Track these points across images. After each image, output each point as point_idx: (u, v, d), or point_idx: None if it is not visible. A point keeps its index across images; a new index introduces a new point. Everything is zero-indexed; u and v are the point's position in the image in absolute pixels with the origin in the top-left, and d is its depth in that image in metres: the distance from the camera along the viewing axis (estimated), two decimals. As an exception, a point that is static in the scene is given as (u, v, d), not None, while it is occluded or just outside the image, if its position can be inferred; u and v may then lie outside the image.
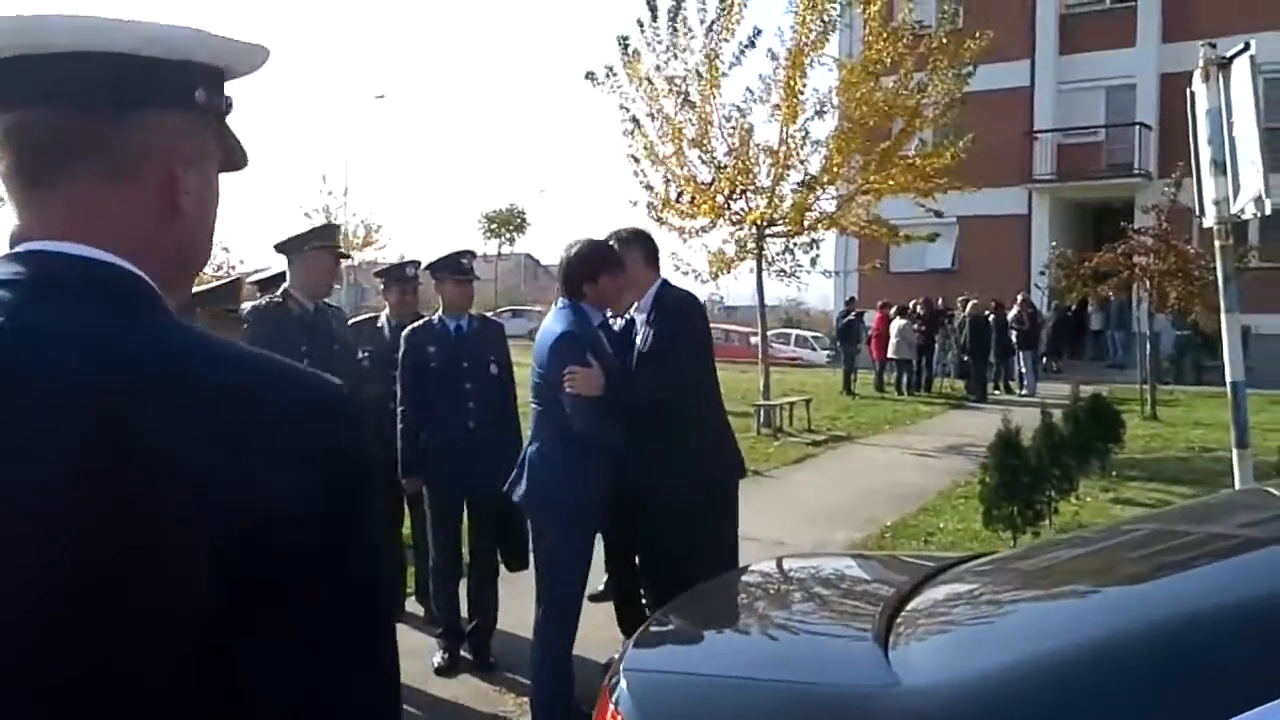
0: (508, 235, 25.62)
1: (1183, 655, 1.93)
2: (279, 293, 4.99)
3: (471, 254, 5.75)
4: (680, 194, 15.24)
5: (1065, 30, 27.86)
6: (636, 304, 4.68)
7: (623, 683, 2.29)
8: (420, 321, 5.69)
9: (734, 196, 14.95)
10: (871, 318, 22.21)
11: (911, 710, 2.04)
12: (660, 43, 14.71)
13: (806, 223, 15.00)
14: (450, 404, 5.36)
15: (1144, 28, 26.50)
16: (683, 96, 14.73)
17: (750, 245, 15.19)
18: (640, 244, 4.72)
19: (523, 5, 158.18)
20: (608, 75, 15.11)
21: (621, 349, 4.98)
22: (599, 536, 5.67)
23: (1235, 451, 4.68)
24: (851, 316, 21.85)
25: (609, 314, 4.70)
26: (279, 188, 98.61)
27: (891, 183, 15.19)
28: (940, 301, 22.44)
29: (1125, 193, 25.23)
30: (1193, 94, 4.71)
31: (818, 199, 15.22)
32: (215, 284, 4.12)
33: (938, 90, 15.12)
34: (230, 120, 1.16)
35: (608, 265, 4.47)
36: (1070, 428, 9.69)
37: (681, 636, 2.79)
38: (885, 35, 14.60)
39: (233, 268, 26.35)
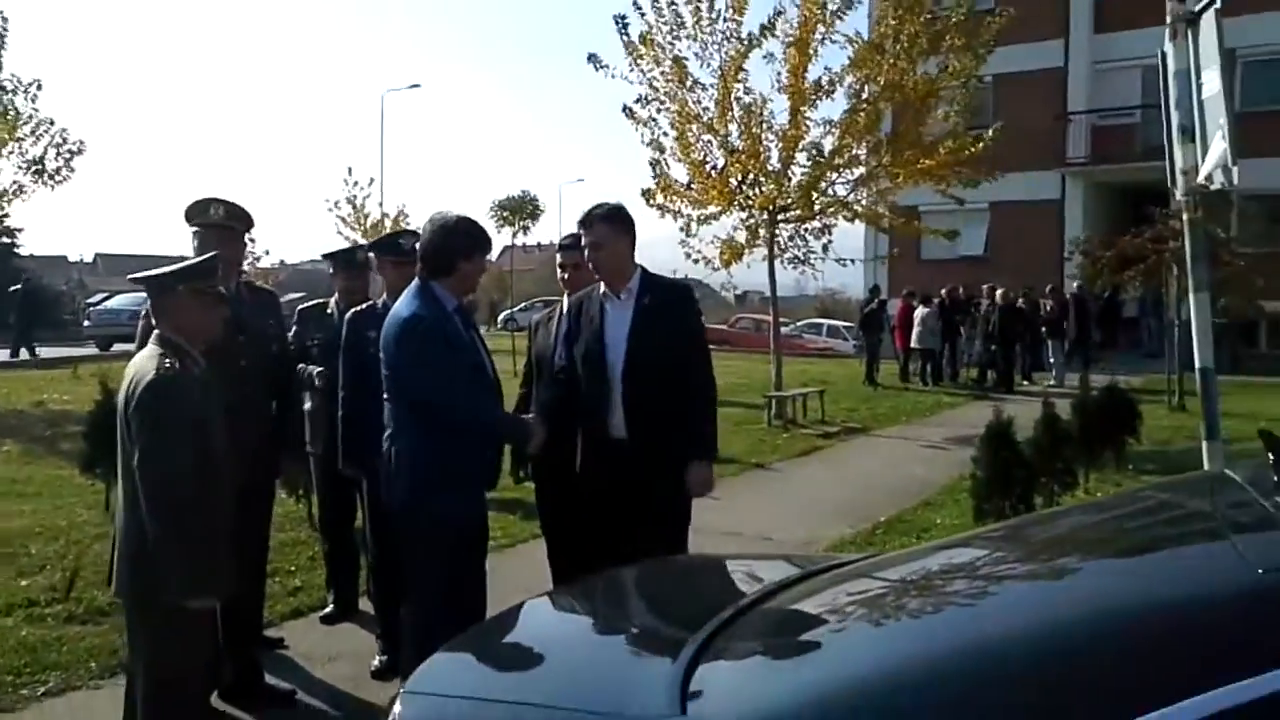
0: (520, 224, 25.18)
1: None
2: None
3: (413, 234, 5.49)
4: (690, 182, 14.89)
5: (1100, 8, 27.16)
6: (614, 288, 4.44)
7: (397, 707, 2.07)
8: (363, 306, 5.48)
9: (745, 182, 14.59)
10: (895, 307, 21.78)
11: None
12: (664, 24, 14.33)
13: (817, 207, 14.62)
14: (389, 392, 5.14)
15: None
16: (691, 79, 14.38)
17: (762, 232, 14.82)
18: (631, 226, 4.52)
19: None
20: (627, 53, 14.71)
21: (571, 330, 4.70)
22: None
23: (1205, 444, 4.32)
24: (874, 305, 21.43)
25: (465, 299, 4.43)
26: (313, 180, 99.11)
27: (909, 168, 14.76)
28: (961, 291, 21.91)
29: (1162, 176, 24.44)
30: (1163, 54, 4.36)
31: (831, 183, 14.83)
32: (193, 261, 3.94)
33: (955, 71, 14.66)
34: None
35: (483, 244, 4.24)
36: (1077, 419, 9.31)
37: (478, 658, 2.53)
38: (898, 13, 14.17)
39: (258, 258, 26.34)
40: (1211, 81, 3.97)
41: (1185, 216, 4.41)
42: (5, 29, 17.68)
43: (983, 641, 1.92)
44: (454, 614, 3.84)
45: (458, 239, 4.13)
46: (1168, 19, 4.26)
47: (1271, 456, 2.21)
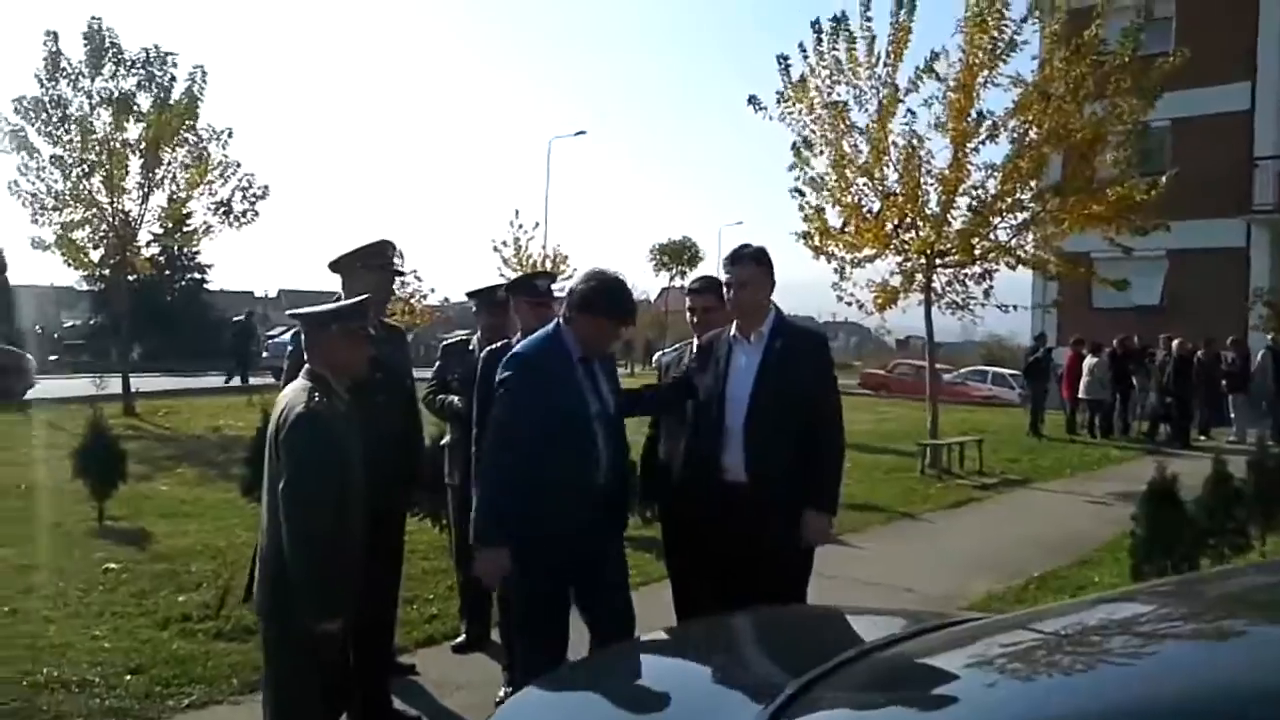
0: (678, 269, 25.47)
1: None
2: None
3: (549, 276, 5.61)
4: (845, 223, 14.71)
5: (1291, 50, 25.69)
6: (746, 330, 4.40)
7: (479, 739, 2.05)
8: (499, 343, 5.57)
9: (902, 226, 14.32)
10: (1062, 355, 20.92)
11: None
12: (825, 67, 14.27)
13: (978, 252, 14.21)
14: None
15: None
16: (848, 122, 14.25)
17: (919, 276, 14.50)
18: (773, 271, 4.50)
19: (726, 32, 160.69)
20: (780, 99, 14.73)
21: (698, 369, 4.62)
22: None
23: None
24: (1039, 353, 20.62)
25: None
26: (480, 221, 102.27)
27: (1075, 214, 14.21)
28: (1136, 340, 20.86)
29: (1359, 225, 22.99)
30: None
31: (993, 228, 14.40)
32: (348, 302, 4.17)
33: (1121, 114, 14.07)
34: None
35: (606, 310, 4.09)
36: (1253, 478, 8.71)
37: (567, 696, 2.48)
38: (1065, 55, 13.73)
39: (424, 296, 27.21)
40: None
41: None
42: (204, 82, 18.90)
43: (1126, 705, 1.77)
44: (555, 648, 3.83)
45: (586, 292, 4.07)
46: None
47: None
